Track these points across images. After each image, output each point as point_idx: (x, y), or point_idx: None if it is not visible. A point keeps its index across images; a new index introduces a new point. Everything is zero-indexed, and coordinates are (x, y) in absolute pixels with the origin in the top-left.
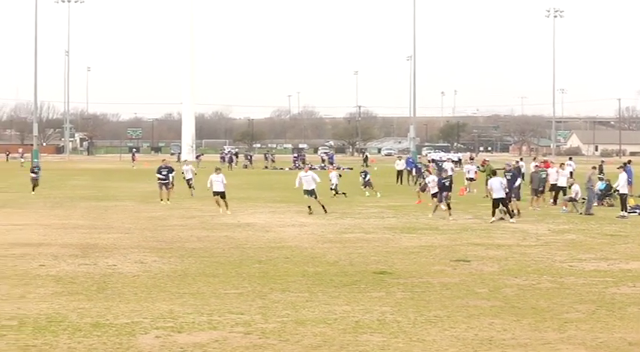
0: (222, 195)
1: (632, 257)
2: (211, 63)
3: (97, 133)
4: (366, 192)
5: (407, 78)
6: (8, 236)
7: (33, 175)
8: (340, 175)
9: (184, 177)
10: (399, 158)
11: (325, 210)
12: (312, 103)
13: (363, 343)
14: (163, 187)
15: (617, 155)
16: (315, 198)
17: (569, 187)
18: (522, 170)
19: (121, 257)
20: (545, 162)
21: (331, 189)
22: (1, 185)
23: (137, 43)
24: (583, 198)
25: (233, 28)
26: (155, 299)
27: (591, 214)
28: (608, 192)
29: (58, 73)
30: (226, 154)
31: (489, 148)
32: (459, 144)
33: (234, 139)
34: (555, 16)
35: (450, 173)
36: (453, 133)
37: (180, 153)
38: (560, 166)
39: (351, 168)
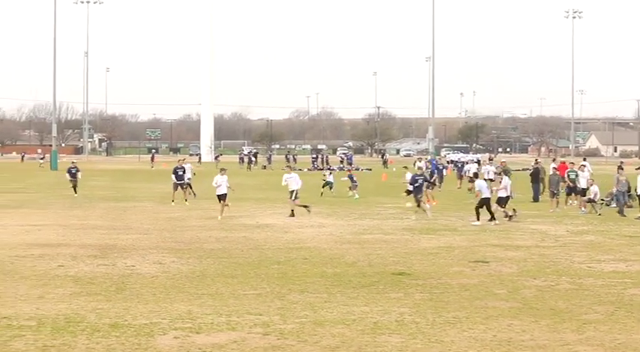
0: (224, 197)
1: None
2: (230, 64)
3: (115, 134)
4: (355, 195)
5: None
6: (27, 236)
7: (70, 177)
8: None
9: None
10: (419, 159)
11: (308, 210)
12: (331, 104)
13: (381, 344)
14: (178, 188)
15: (636, 156)
16: (294, 199)
17: (588, 188)
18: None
19: (139, 257)
20: (562, 163)
21: (327, 186)
22: (19, 185)
23: (156, 44)
24: (602, 200)
25: (252, 28)
26: (173, 299)
27: (624, 215)
28: (627, 192)
29: (77, 74)
30: (245, 155)
31: (508, 149)
32: (477, 145)
33: (253, 140)
34: (574, 17)
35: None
36: (472, 134)
37: (200, 154)
38: (580, 168)
39: (370, 169)
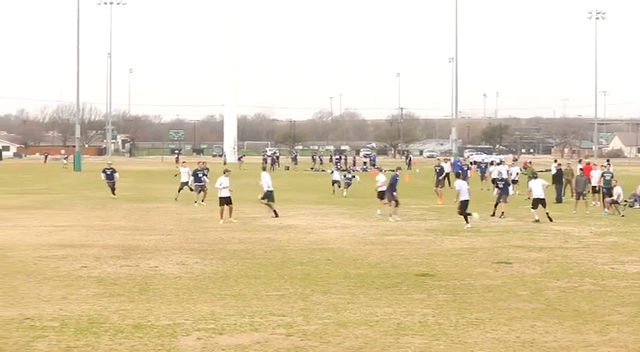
0: (229, 200)
1: None
2: (253, 65)
3: (138, 135)
4: (344, 193)
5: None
6: (50, 237)
7: (106, 178)
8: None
9: (180, 181)
10: (445, 160)
11: (276, 214)
12: (354, 105)
13: (404, 345)
14: (200, 190)
15: None
16: (263, 199)
17: (612, 189)
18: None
19: (162, 258)
20: (587, 164)
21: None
22: (43, 186)
23: (179, 45)
24: (625, 201)
25: (275, 30)
26: (197, 300)
27: None
28: None
29: (101, 75)
30: (268, 156)
31: (531, 150)
32: (501, 146)
33: (276, 141)
34: (597, 18)
35: (503, 175)
36: (495, 135)
37: (225, 155)
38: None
39: (393, 170)
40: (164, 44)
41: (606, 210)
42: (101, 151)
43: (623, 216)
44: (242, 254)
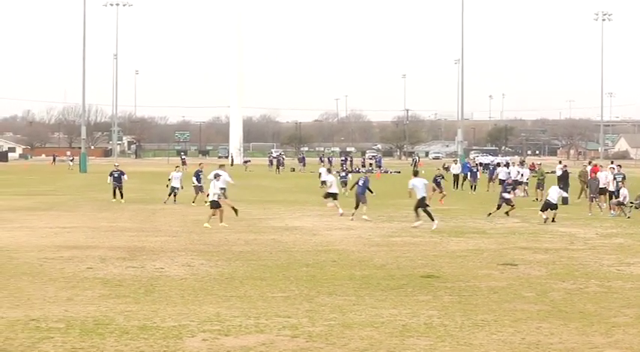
0: (218, 205)
1: None
2: (259, 66)
3: (144, 136)
4: (345, 193)
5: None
6: (56, 238)
7: (113, 181)
8: (330, 171)
9: (170, 185)
10: (455, 162)
11: (229, 215)
12: (360, 107)
13: (409, 347)
14: (199, 191)
15: None
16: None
17: (618, 191)
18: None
19: (168, 260)
20: (594, 166)
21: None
22: (49, 188)
23: (185, 47)
24: (631, 202)
25: (281, 31)
26: (202, 302)
27: None
28: None
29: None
30: (274, 157)
31: (537, 152)
32: (506, 148)
33: (282, 143)
34: (604, 20)
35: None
36: (501, 137)
37: (232, 156)
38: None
39: (399, 172)
40: (170, 46)
41: (612, 211)
42: (107, 153)
43: (629, 217)
44: (247, 255)
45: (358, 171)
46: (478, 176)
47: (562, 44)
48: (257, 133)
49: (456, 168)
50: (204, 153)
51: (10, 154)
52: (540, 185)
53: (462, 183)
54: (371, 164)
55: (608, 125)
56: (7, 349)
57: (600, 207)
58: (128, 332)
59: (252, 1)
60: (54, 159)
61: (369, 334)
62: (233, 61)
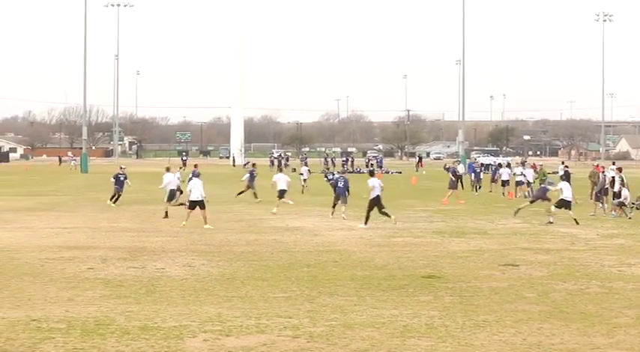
0: (202, 205)
1: None
2: (260, 66)
3: (145, 137)
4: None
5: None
6: (57, 239)
7: (116, 184)
8: (310, 171)
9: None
10: (458, 162)
11: (167, 216)
12: (361, 107)
13: (410, 347)
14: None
15: None
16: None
17: (619, 192)
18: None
19: (169, 260)
20: (596, 166)
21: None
22: (50, 188)
23: (186, 47)
24: (632, 203)
25: (281, 31)
26: (203, 302)
27: None
28: None
29: (108, 77)
30: (275, 158)
31: (538, 152)
32: (508, 149)
33: (283, 143)
34: (605, 20)
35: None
36: (502, 137)
37: (234, 157)
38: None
39: (400, 172)
40: (171, 46)
41: (613, 212)
42: (108, 153)
43: (630, 218)
44: (249, 256)
45: (359, 172)
46: (481, 177)
47: (563, 45)
48: (258, 134)
49: (460, 169)
50: (206, 153)
51: (11, 155)
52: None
53: (476, 186)
54: (372, 164)
55: (609, 126)
56: (8, 349)
57: (603, 208)
58: (129, 332)
59: (253, 1)
60: (60, 160)
61: (370, 334)
62: (234, 61)
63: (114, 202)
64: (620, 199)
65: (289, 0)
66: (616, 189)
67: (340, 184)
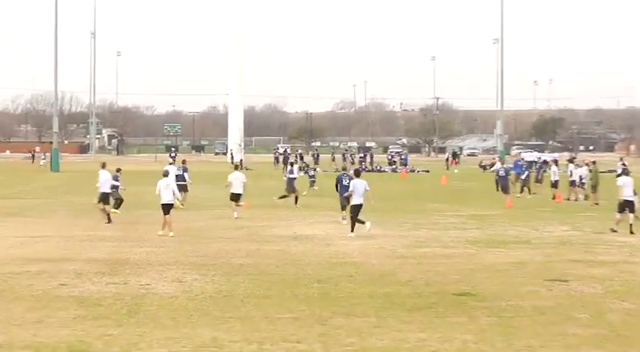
0: (169, 208)
1: None
2: (263, 47)
3: (128, 129)
4: (304, 192)
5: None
6: (23, 250)
7: (111, 188)
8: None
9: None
10: (499, 159)
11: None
12: (382, 94)
13: None
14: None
15: None
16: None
17: None
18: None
19: (155, 274)
20: None
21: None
22: (16, 190)
23: (175, 24)
24: None
25: (288, 7)
26: (196, 324)
27: None
28: None
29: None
30: (280, 154)
31: (591, 147)
32: (554, 143)
33: (290, 136)
34: None
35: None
36: (548, 129)
37: (233, 152)
38: None
39: (428, 171)
40: (157, 23)
41: None
42: (83, 148)
43: None
44: (249, 269)
45: (380, 170)
46: (529, 176)
47: (620, 21)
48: (260, 125)
49: (497, 166)
50: (199, 148)
51: None
52: (594, 187)
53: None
54: (395, 161)
55: None
56: None
57: None
58: None
59: None
60: (33, 157)
61: None
62: (232, 41)
63: (117, 208)
64: None
65: None
66: None
67: (345, 182)
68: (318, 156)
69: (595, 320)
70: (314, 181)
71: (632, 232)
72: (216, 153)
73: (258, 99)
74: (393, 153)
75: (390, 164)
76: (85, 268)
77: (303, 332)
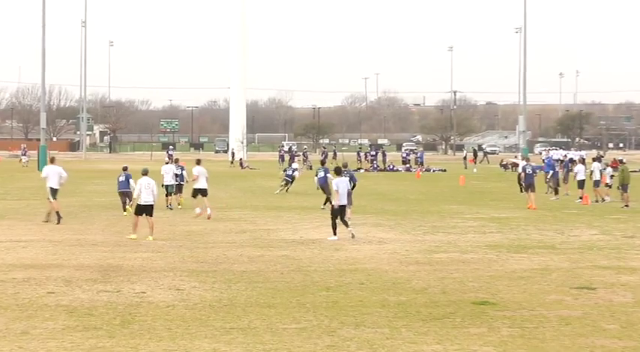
0: (150, 210)
1: None
2: (267, 38)
3: (121, 125)
4: (277, 191)
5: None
6: (8, 255)
7: (120, 188)
8: (311, 167)
9: (162, 184)
10: (525, 158)
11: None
12: (395, 88)
13: None
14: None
15: None
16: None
17: None
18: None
19: (151, 282)
20: None
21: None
22: (0, 190)
23: (172, 12)
24: None
25: None
26: (195, 335)
27: None
28: None
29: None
30: (286, 152)
31: (621, 144)
32: (582, 140)
33: (295, 133)
34: None
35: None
36: (574, 125)
37: (234, 151)
38: None
39: (445, 170)
40: (153, 11)
41: None
42: (73, 146)
43: None
44: (252, 276)
45: (393, 169)
46: (559, 176)
47: None
48: (264, 121)
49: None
50: (198, 146)
51: None
52: (625, 187)
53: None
54: (409, 160)
55: None
56: None
57: None
58: None
59: None
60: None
61: None
62: (234, 29)
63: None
64: None
65: None
66: None
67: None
68: (326, 155)
69: (625, 331)
70: (290, 182)
71: None
72: (217, 151)
73: (261, 92)
74: (407, 151)
75: (403, 163)
76: (74, 275)
77: (310, 344)
